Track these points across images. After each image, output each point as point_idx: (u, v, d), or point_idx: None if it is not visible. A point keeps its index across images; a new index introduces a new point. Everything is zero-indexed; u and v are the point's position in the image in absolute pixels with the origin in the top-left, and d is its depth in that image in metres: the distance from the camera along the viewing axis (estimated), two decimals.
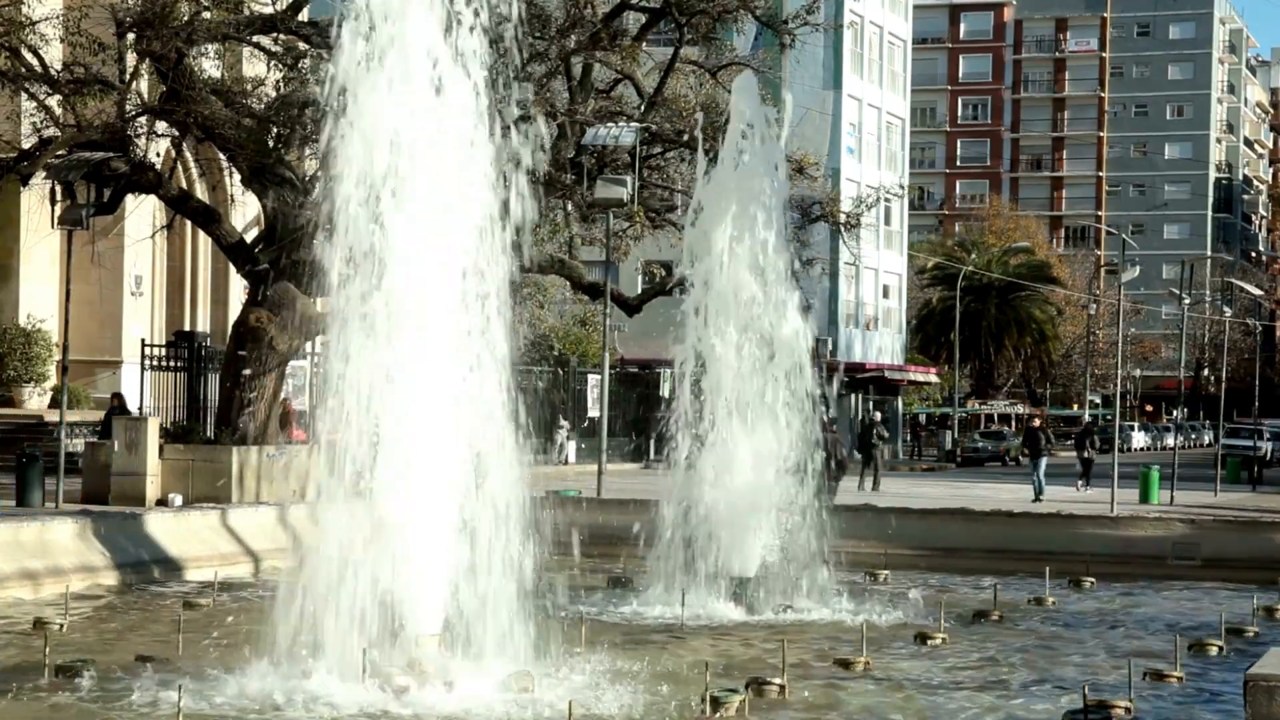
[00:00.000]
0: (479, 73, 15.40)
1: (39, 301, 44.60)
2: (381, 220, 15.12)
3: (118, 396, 36.12)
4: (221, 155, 35.73)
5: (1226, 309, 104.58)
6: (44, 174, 31.59)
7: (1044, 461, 42.58)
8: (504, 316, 15.44)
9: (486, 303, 15.36)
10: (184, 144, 37.18)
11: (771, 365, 21.78)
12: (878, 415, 53.71)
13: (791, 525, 21.64)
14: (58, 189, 30.91)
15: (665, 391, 52.44)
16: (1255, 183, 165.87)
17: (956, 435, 77.41)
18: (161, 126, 32.57)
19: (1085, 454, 46.92)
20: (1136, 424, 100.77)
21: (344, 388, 15.08)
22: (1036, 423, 47.49)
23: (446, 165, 15.26)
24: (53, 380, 42.20)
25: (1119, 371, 44.95)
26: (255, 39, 31.70)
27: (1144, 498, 40.57)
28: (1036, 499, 40.19)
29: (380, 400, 15.08)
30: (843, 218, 39.16)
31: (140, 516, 25.27)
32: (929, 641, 19.13)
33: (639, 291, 45.81)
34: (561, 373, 54.62)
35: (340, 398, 15.05)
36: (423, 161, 15.20)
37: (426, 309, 15.19)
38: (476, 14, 15.43)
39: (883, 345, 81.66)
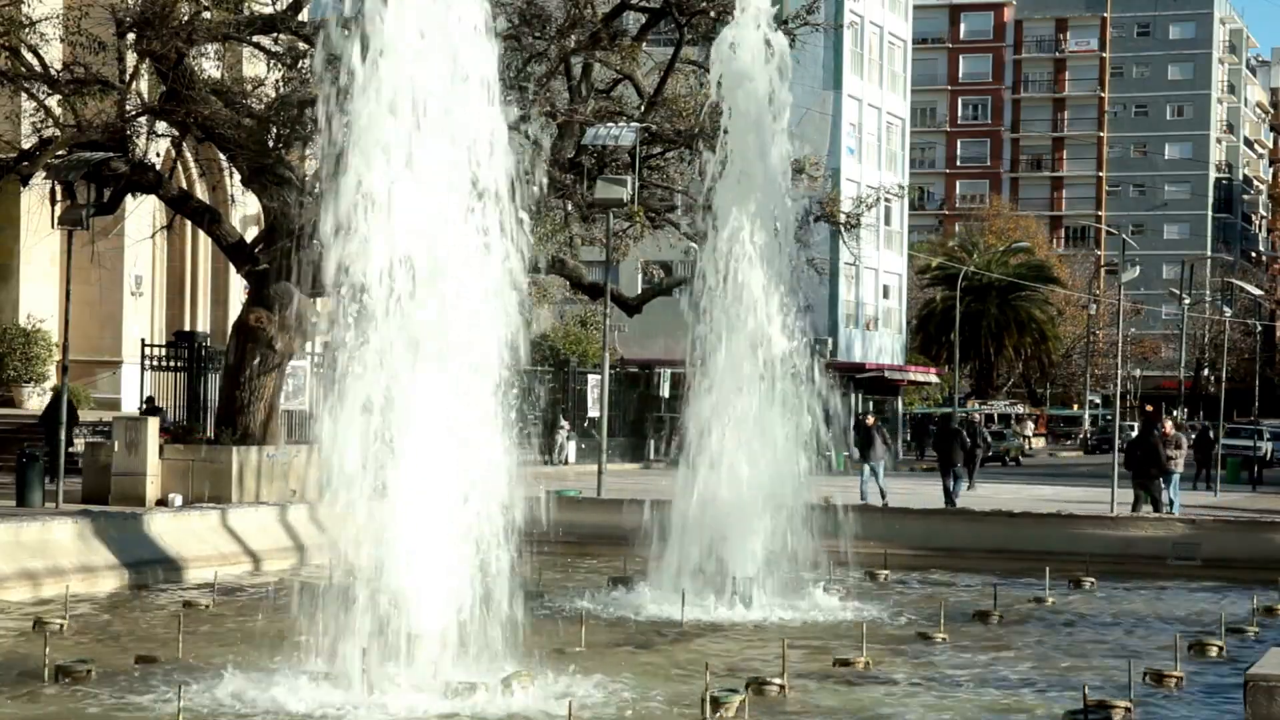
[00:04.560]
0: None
1: (39, 301, 44.64)
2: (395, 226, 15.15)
3: (151, 399, 36.45)
4: (221, 155, 35.74)
5: (1226, 309, 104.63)
6: (44, 174, 31.60)
7: (881, 466, 39.17)
8: (509, 318, 15.45)
9: (492, 305, 15.37)
10: (184, 144, 37.19)
11: (773, 364, 21.81)
12: (977, 416, 53.26)
13: (792, 524, 21.67)
14: (58, 189, 30.92)
15: (665, 391, 52.47)
16: (1255, 183, 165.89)
17: None
18: (161, 126, 32.57)
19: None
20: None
21: (348, 390, 15.08)
22: (870, 421, 42.37)
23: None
24: (53, 380, 42.21)
25: (1119, 371, 44.94)
26: (255, 39, 31.70)
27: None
28: (862, 498, 36.32)
29: (384, 402, 15.08)
30: (843, 218, 39.15)
31: (140, 516, 25.26)
32: (929, 641, 19.13)
33: (639, 291, 45.81)
34: (561, 373, 54.64)
35: (345, 400, 15.05)
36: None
37: (432, 309, 15.19)
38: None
39: (883, 345, 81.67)
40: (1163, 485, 35.37)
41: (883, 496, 36.78)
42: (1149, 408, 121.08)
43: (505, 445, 15.27)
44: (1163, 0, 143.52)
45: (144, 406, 36.45)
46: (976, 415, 54.57)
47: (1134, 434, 40.27)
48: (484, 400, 15.23)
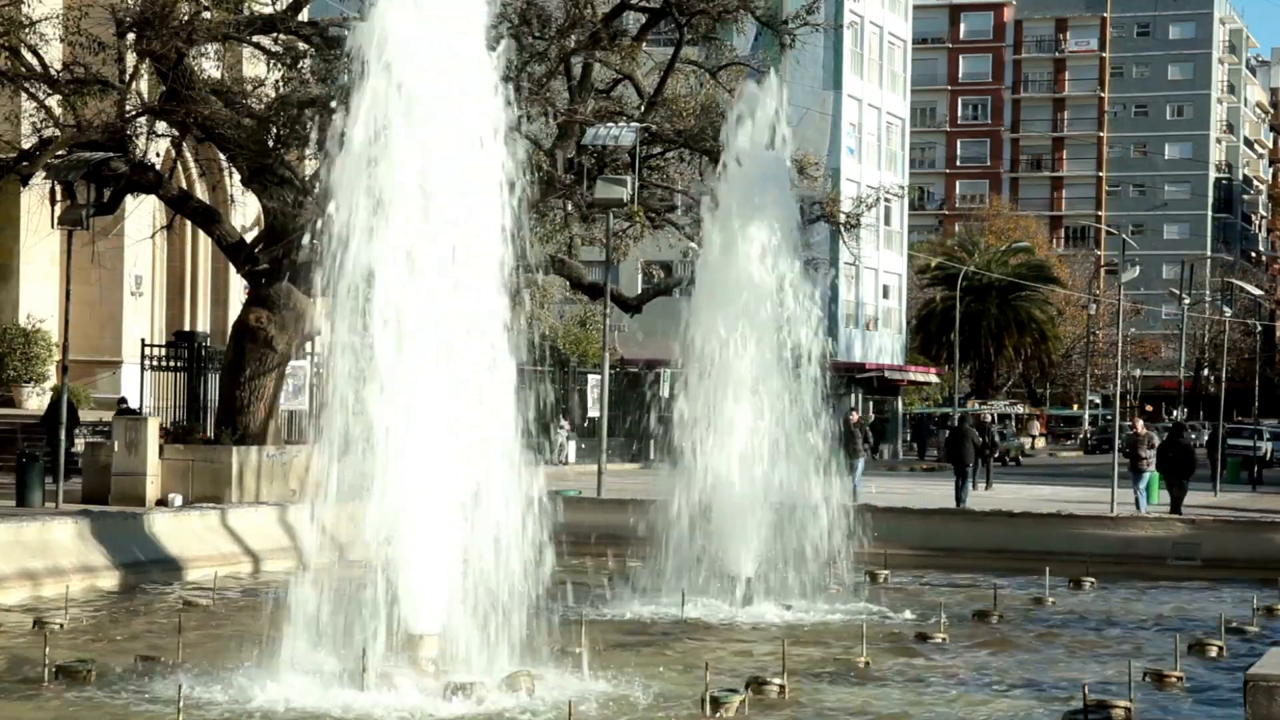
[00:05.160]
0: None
1: (39, 301, 44.60)
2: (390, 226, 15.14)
3: (124, 400, 36.55)
4: (221, 155, 35.72)
5: (1226, 309, 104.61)
6: (44, 174, 31.57)
7: (861, 463, 38.94)
8: (508, 318, 15.43)
9: (491, 304, 15.35)
10: (184, 144, 37.16)
11: (776, 364, 21.82)
12: (989, 417, 53.41)
13: (794, 524, 21.67)
14: (58, 189, 30.90)
15: (665, 391, 52.27)
16: (1255, 183, 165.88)
17: None
18: (161, 126, 32.55)
19: None
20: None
21: (346, 387, 15.07)
22: (854, 418, 41.35)
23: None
24: (53, 380, 42.19)
25: (1119, 371, 44.89)
26: (255, 39, 31.69)
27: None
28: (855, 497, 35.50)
29: (382, 398, 15.06)
30: (843, 218, 39.09)
31: (140, 516, 25.27)
32: (929, 641, 19.13)
33: (639, 291, 45.79)
34: (561, 373, 54.62)
35: (343, 397, 15.04)
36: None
37: (431, 306, 15.17)
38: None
39: (883, 345, 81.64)
40: (1134, 484, 35.59)
41: (855, 496, 36.73)
42: (1149, 408, 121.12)
43: (511, 444, 15.25)
44: (1163, 0, 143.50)
45: (118, 408, 36.53)
46: (987, 416, 54.68)
47: (1128, 434, 40.27)
48: (488, 399, 15.21)
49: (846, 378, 69.27)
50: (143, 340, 39.89)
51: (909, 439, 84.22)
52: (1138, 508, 34.77)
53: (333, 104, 15.32)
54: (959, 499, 38.05)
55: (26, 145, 33.11)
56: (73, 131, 30.56)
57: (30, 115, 33.37)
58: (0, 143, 33.18)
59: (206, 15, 30.32)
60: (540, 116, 32.92)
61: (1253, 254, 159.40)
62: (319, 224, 15.21)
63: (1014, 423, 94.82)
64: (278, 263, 30.65)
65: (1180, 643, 17.49)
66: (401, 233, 15.10)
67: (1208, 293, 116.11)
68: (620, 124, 33.05)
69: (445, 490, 15.07)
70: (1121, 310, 50.45)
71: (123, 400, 37.18)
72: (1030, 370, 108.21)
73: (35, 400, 43.47)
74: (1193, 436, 36.37)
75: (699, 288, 22.56)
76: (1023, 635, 20.33)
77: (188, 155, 42.69)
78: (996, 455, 73.35)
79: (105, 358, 45.76)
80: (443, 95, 15.14)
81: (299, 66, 31.33)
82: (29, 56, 30.75)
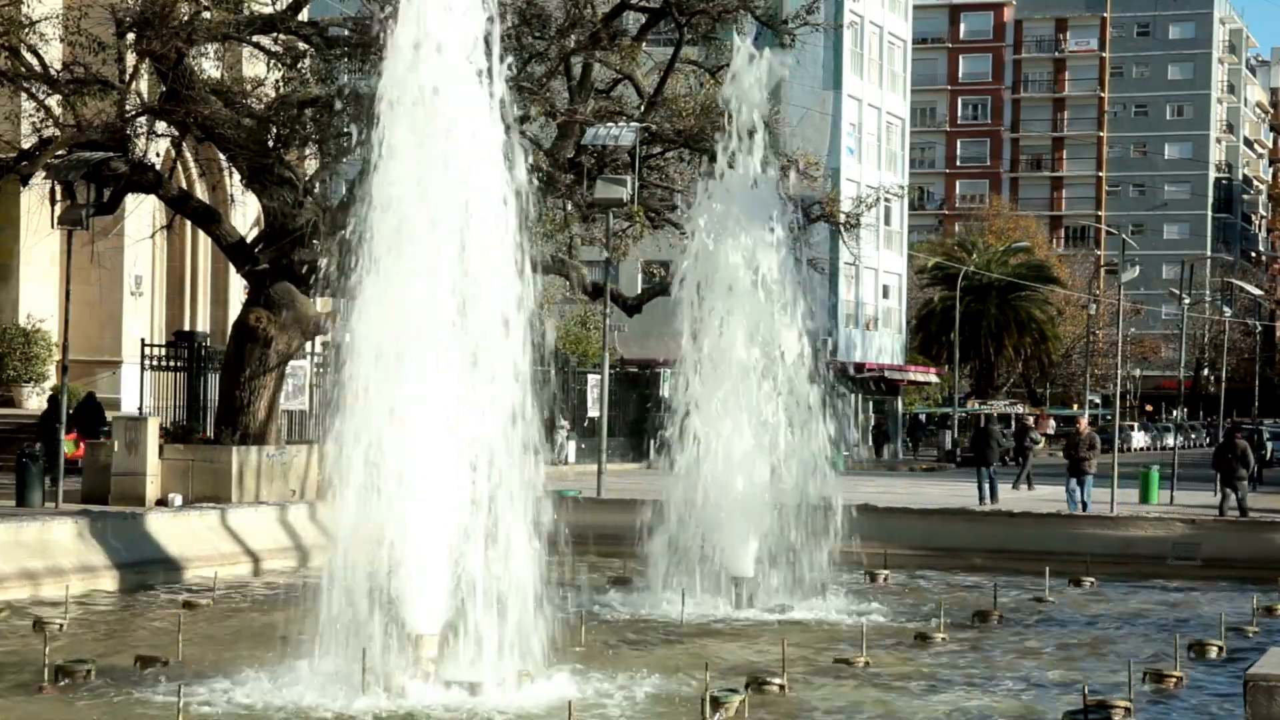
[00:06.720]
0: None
1: (39, 301, 44.60)
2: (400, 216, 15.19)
3: (54, 399, 36.32)
4: (221, 155, 35.71)
5: (1226, 309, 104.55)
6: (44, 174, 31.56)
7: None
8: (515, 316, 15.45)
9: (496, 302, 15.36)
10: (184, 144, 37.16)
11: (773, 365, 21.82)
12: (1030, 420, 53.61)
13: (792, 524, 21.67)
14: (58, 189, 30.88)
15: (665, 391, 52.23)
16: (1255, 183, 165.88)
17: (956, 435, 77.27)
18: (161, 126, 32.55)
19: None
20: (1136, 424, 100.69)
21: (348, 385, 15.07)
22: None
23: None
24: (53, 380, 42.19)
25: (1119, 371, 44.87)
26: (255, 39, 31.68)
27: (1144, 498, 40.49)
28: None
29: (384, 397, 15.06)
30: (843, 218, 39.09)
31: (140, 516, 25.27)
32: (929, 641, 19.13)
33: (639, 291, 45.77)
34: (562, 373, 54.58)
35: (345, 395, 15.05)
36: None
37: (434, 304, 15.18)
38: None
39: (883, 345, 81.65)
40: (1076, 486, 35.57)
41: None
42: (1149, 408, 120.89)
43: (511, 443, 15.24)
44: (1163, 0, 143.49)
45: (49, 403, 36.31)
46: (1030, 419, 54.82)
47: (1071, 433, 40.47)
48: (492, 399, 15.20)
49: (846, 378, 69.26)
50: (143, 340, 39.89)
51: (907, 439, 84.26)
52: (1082, 508, 34.70)
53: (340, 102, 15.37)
54: (983, 498, 38.34)
55: (26, 145, 33.09)
56: (73, 131, 30.56)
57: (30, 115, 33.35)
58: (0, 143, 33.18)
59: (206, 15, 30.30)
60: (540, 116, 32.92)
61: (1253, 254, 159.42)
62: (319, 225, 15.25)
63: (1012, 423, 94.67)
64: (277, 263, 30.65)
65: (1180, 643, 17.49)
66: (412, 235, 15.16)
67: (1208, 293, 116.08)
68: (620, 124, 33.05)
69: (445, 490, 15.06)
70: (1121, 310, 50.44)
71: (52, 398, 36.76)
72: (1030, 370, 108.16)
73: (35, 400, 43.48)
74: (1242, 444, 36.61)
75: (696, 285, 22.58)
76: (1023, 635, 20.33)
77: (188, 155, 42.69)
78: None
79: (105, 358, 45.75)
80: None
81: (299, 66, 31.33)
82: (29, 56, 30.74)
